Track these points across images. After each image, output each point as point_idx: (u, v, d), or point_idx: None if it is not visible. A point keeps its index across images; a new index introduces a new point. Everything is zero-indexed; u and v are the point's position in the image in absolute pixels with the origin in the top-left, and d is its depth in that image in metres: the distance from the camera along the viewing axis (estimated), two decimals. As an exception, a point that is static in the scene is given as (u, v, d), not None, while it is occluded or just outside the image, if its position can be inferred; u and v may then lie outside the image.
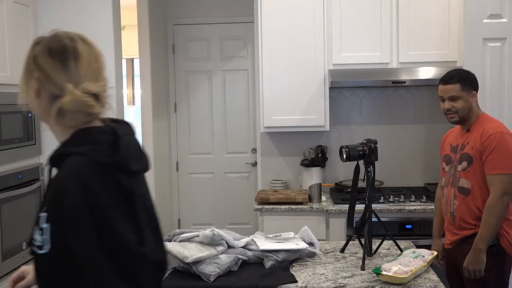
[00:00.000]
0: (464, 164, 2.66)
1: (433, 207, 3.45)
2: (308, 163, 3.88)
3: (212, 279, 2.13)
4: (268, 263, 2.29)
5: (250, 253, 2.33)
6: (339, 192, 3.85)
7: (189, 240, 2.32)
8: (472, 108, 2.69)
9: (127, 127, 1.56)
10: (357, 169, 2.58)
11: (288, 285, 2.12)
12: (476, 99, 2.71)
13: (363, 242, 2.45)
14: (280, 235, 2.54)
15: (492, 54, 3.23)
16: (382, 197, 3.58)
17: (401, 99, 4.05)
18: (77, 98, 1.39)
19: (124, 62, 6.94)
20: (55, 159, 1.41)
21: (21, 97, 1.50)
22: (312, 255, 2.46)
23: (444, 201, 2.80)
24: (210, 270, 2.15)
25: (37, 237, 1.33)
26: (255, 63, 4.50)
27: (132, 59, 7.31)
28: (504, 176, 2.55)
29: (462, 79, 2.68)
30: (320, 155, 3.91)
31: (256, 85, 4.28)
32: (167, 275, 2.22)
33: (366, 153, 2.50)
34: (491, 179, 2.56)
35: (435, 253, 2.36)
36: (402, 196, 3.60)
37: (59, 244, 1.31)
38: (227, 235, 2.33)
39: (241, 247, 2.34)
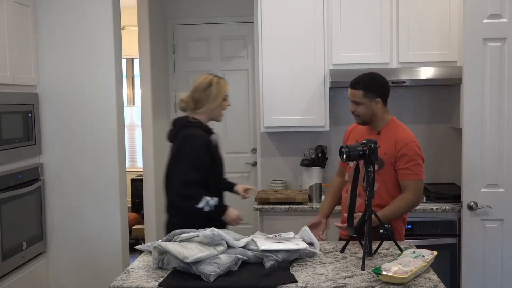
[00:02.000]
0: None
1: (433, 207, 3.47)
2: (308, 163, 3.88)
3: (212, 279, 2.13)
4: (268, 263, 2.29)
5: (250, 253, 2.33)
6: (339, 192, 3.85)
7: (189, 240, 2.32)
8: (375, 114, 2.86)
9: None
10: (357, 169, 2.58)
11: (288, 285, 2.12)
12: (381, 105, 2.85)
13: (363, 242, 2.45)
14: (280, 235, 2.53)
15: (492, 54, 3.23)
16: (382, 197, 3.58)
17: (401, 99, 4.05)
18: None
19: (124, 62, 6.95)
20: None
21: None
22: (312, 255, 2.46)
23: (347, 195, 2.87)
24: (210, 270, 2.15)
25: None
26: (255, 63, 4.50)
27: (132, 59, 7.32)
28: (419, 181, 2.80)
29: (367, 86, 2.83)
30: (320, 155, 3.91)
31: (256, 85, 4.28)
32: (167, 275, 2.22)
33: (366, 153, 2.50)
34: (408, 184, 2.78)
35: (435, 253, 2.35)
36: (402, 196, 3.60)
37: None
38: (227, 235, 2.33)
39: (241, 247, 2.34)
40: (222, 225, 2.95)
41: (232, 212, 3.00)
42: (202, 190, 2.89)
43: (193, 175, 2.88)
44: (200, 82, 3.04)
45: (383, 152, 2.79)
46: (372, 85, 2.85)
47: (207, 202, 2.86)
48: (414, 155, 2.80)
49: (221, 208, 2.97)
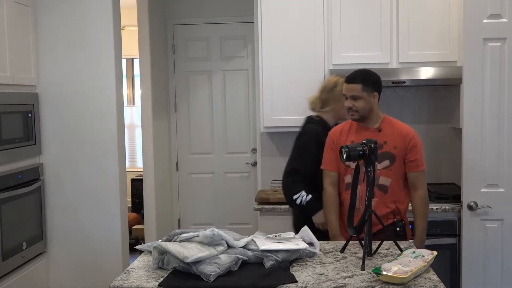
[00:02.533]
0: (386, 162, 2.87)
1: (433, 207, 3.47)
2: (308, 163, 3.87)
3: (212, 279, 2.13)
4: (268, 263, 2.29)
5: (250, 253, 2.33)
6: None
7: (189, 240, 2.32)
8: (372, 108, 2.90)
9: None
10: (357, 169, 2.58)
11: (288, 285, 2.12)
12: (377, 100, 2.91)
13: (363, 242, 2.45)
14: (280, 235, 2.53)
15: (492, 54, 3.22)
16: (382, 197, 3.58)
17: (401, 99, 4.05)
18: None
19: (124, 62, 6.95)
20: None
21: None
22: (312, 255, 2.46)
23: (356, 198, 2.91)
24: (210, 270, 2.15)
25: None
26: (255, 63, 4.50)
27: (132, 59, 7.32)
28: (424, 172, 2.93)
29: (364, 80, 2.88)
30: (320, 155, 3.90)
31: (256, 85, 4.28)
32: (167, 275, 2.22)
33: (366, 153, 2.50)
34: (418, 176, 2.91)
35: (435, 253, 2.35)
36: (402, 196, 3.60)
37: None
38: (227, 235, 2.33)
39: (241, 247, 2.34)
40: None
41: (321, 216, 3.11)
42: (301, 182, 3.13)
43: (296, 164, 3.15)
44: (327, 83, 3.31)
45: (392, 146, 2.86)
46: (369, 79, 2.90)
47: (302, 196, 3.10)
48: (420, 146, 2.93)
49: (313, 207, 3.11)
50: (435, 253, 2.35)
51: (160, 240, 2.41)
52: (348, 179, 2.98)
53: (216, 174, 5.55)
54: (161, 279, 2.18)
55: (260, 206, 3.63)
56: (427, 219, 2.95)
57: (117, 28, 4.10)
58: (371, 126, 2.93)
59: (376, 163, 2.86)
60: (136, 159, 7.43)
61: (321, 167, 3.13)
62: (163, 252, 2.30)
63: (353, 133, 2.98)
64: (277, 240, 2.45)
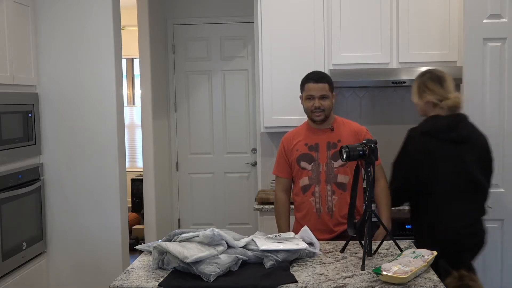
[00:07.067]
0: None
1: (433, 207, 3.46)
2: (308, 163, 3.87)
3: (212, 279, 2.13)
4: (268, 263, 2.29)
5: (250, 253, 2.33)
6: (339, 192, 3.84)
7: (189, 240, 2.32)
8: (332, 108, 2.97)
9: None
10: (357, 169, 2.58)
11: (288, 285, 2.12)
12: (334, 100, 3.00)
13: (363, 242, 2.45)
14: (280, 235, 2.53)
15: (492, 54, 3.23)
16: (382, 197, 3.57)
17: (401, 99, 4.04)
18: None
19: (124, 62, 6.95)
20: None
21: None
22: (312, 255, 2.46)
23: (315, 199, 2.94)
24: (210, 270, 2.15)
25: None
26: (255, 63, 4.50)
27: (132, 59, 7.32)
28: (381, 166, 2.96)
29: (329, 80, 2.96)
30: (320, 155, 3.91)
31: (256, 85, 4.28)
32: (167, 275, 2.22)
33: (366, 153, 2.50)
34: (376, 170, 2.79)
35: (435, 253, 2.35)
36: (402, 196, 3.60)
37: None
38: (227, 235, 2.33)
39: (241, 247, 2.34)
40: None
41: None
42: None
43: None
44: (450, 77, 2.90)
45: (346, 144, 2.82)
46: (330, 79, 2.97)
47: None
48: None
49: None
50: (435, 253, 2.35)
51: (160, 240, 2.41)
52: (304, 181, 2.99)
53: (216, 174, 5.55)
54: (161, 279, 2.18)
55: (260, 206, 3.63)
56: (391, 208, 2.96)
57: (117, 28, 4.10)
58: (321, 128, 2.99)
59: (333, 161, 2.94)
60: (136, 159, 7.43)
61: (273, 173, 3.15)
62: (163, 252, 2.30)
63: (306, 136, 3.01)
64: (277, 240, 2.45)
